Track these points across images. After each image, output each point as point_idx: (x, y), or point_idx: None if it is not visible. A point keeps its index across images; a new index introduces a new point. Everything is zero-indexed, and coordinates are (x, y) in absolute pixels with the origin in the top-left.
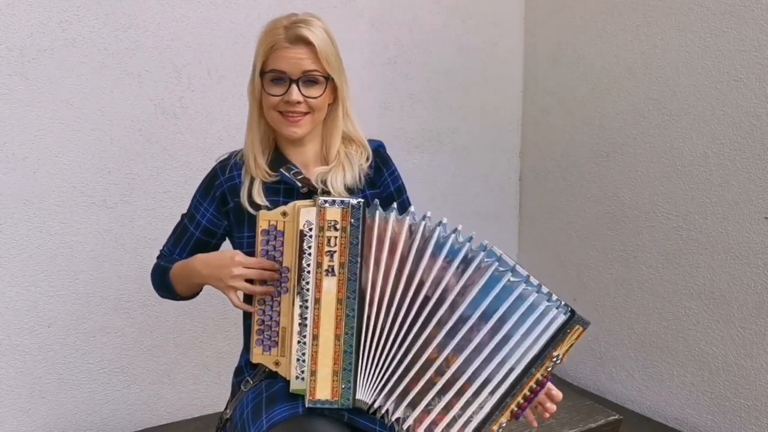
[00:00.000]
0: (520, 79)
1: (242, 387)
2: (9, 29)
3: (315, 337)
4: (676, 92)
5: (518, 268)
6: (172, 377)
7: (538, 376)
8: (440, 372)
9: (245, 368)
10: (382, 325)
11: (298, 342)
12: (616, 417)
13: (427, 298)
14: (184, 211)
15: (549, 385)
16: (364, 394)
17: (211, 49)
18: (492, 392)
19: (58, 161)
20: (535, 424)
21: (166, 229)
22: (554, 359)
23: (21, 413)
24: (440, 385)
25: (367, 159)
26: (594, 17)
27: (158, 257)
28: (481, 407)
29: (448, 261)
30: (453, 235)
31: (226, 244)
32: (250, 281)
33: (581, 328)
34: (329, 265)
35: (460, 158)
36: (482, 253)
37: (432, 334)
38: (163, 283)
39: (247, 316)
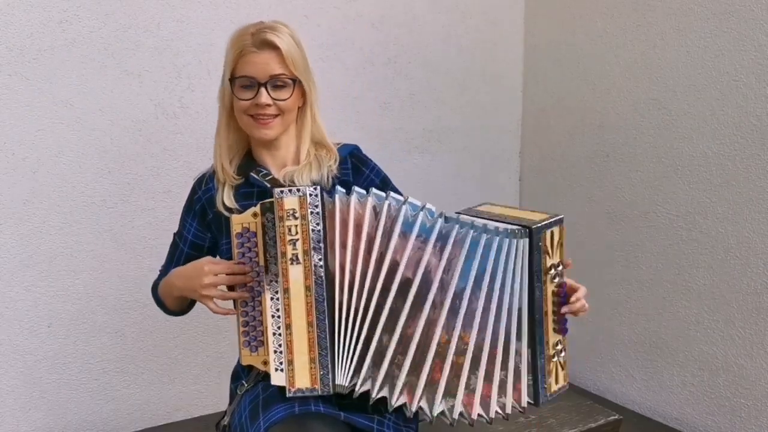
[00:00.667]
0: (520, 79)
1: (238, 391)
2: (9, 29)
3: (288, 327)
4: (676, 92)
5: (476, 222)
6: (172, 377)
7: (551, 290)
8: (461, 352)
9: (241, 371)
10: (355, 308)
11: (274, 334)
12: (616, 417)
13: (408, 280)
14: (176, 230)
15: (569, 286)
16: (343, 379)
17: (211, 49)
18: (519, 337)
19: (58, 161)
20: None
21: (166, 228)
22: (551, 270)
23: (21, 413)
24: (469, 363)
25: (336, 161)
26: (594, 17)
27: (157, 277)
28: (519, 354)
29: (423, 240)
30: (422, 213)
31: None
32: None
33: (557, 227)
34: (293, 254)
35: (460, 158)
36: (456, 226)
37: (432, 318)
38: (157, 300)
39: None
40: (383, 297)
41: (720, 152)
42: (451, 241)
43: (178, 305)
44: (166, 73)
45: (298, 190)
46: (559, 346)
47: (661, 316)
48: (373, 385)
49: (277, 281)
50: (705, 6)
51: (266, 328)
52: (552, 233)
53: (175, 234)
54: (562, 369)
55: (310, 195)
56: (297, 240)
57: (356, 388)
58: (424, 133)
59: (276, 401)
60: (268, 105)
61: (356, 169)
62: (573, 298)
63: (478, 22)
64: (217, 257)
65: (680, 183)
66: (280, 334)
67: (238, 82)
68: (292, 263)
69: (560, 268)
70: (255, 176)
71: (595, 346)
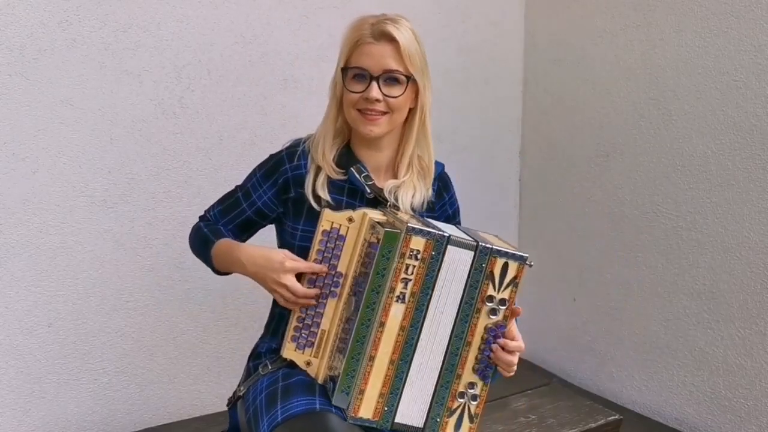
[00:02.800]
0: (520, 79)
1: (260, 370)
2: (9, 29)
3: (371, 358)
4: (676, 92)
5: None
6: (172, 377)
7: (484, 324)
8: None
9: (264, 354)
10: (429, 356)
11: (352, 358)
12: (616, 417)
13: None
14: (239, 183)
15: (512, 333)
16: (401, 418)
17: (211, 49)
18: (435, 351)
19: (58, 161)
20: (507, 374)
21: (166, 229)
22: (490, 302)
23: (21, 413)
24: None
25: (433, 182)
26: (594, 17)
27: (201, 218)
28: (431, 369)
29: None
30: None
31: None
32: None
33: (515, 263)
34: (401, 292)
35: (460, 158)
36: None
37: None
38: (202, 251)
39: (278, 305)
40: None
41: (720, 152)
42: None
43: (226, 271)
44: (166, 73)
45: (429, 233)
46: (474, 390)
47: (661, 316)
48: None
49: (372, 311)
50: (705, 6)
51: (331, 334)
52: (506, 265)
53: (238, 188)
54: (471, 420)
55: (437, 241)
56: (410, 281)
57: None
58: None
59: (296, 392)
60: (378, 100)
61: (439, 194)
62: (500, 352)
63: (478, 22)
64: (287, 251)
65: (680, 183)
66: (357, 360)
67: (351, 72)
68: (397, 300)
69: (503, 307)
70: (357, 176)
71: (595, 346)
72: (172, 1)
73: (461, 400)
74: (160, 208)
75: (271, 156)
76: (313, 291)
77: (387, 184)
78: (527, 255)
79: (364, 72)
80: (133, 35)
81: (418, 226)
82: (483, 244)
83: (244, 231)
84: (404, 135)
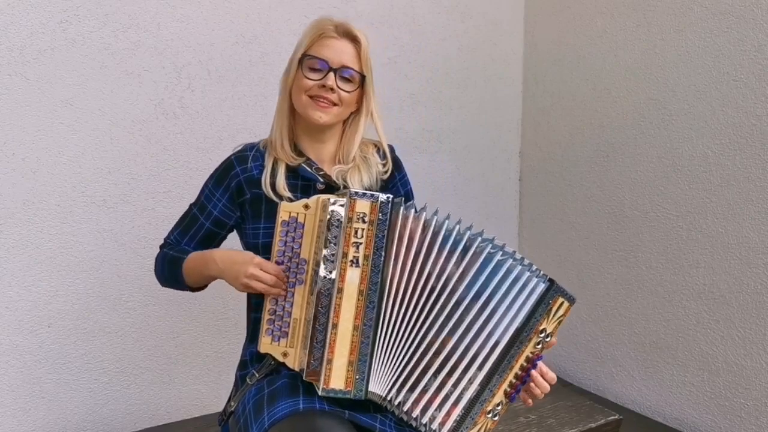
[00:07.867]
0: (520, 79)
1: (248, 380)
2: (9, 29)
3: (335, 326)
4: (676, 92)
5: (506, 248)
6: (172, 377)
7: (528, 353)
8: (437, 353)
9: (250, 362)
10: (397, 320)
11: (315, 328)
12: (616, 417)
13: (433, 289)
14: (192, 201)
15: (541, 365)
16: (376, 387)
17: (211, 49)
18: (480, 366)
19: (58, 161)
20: (529, 402)
21: (166, 228)
22: (541, 334)
23: (21, 413)
24: (436, 366)
25: (384, 165)
26: (594, 17)
27: (163, 246)
28: (470, 382)
29: (451, 252)
30: (456, 227)
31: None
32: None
33: (567, 303)
34: (354, 256)
35: (460, 158)
36: (479, 239)
37: (436, 321)
38: (172, 272)
39: (253, 309)
40: (419, 311)
41: (720, 152)
42: (471, 252)
43: (199, 283)
44: (166, 73)
45: (372, 196)
46: (499, 408)
47: (661, 316)
48: (407, 399)
49: (330, 279)
50: (705, 6)
51: (305, 323)
52: (561, 303)
53: (192, 205)
54: None
55: (382, 203)
56: (361, 243)
57: (392, 401)
58: (424, 133)
59: (280, 397)
60: (333, 90)
61: (391, 174)
62: (540, 378)
63: (478, 22)
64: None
65: (680, 183)
66: (321, 331)
67: (309, 63)
68: (351, 265)
69: (547, 339)
70: (307, 168)
71: (595, 346)
72: (172, 1)
73: (488, 417)
74: (160, 208)
75: (219, 165)
76: (280, 268)
77: (333, 169)
78: (576, 298)
79: (324, 63)
80: (133, 35)
81: (362, 191)
82: (557, 283)
83: (207, 247)
84: (348, 133)
